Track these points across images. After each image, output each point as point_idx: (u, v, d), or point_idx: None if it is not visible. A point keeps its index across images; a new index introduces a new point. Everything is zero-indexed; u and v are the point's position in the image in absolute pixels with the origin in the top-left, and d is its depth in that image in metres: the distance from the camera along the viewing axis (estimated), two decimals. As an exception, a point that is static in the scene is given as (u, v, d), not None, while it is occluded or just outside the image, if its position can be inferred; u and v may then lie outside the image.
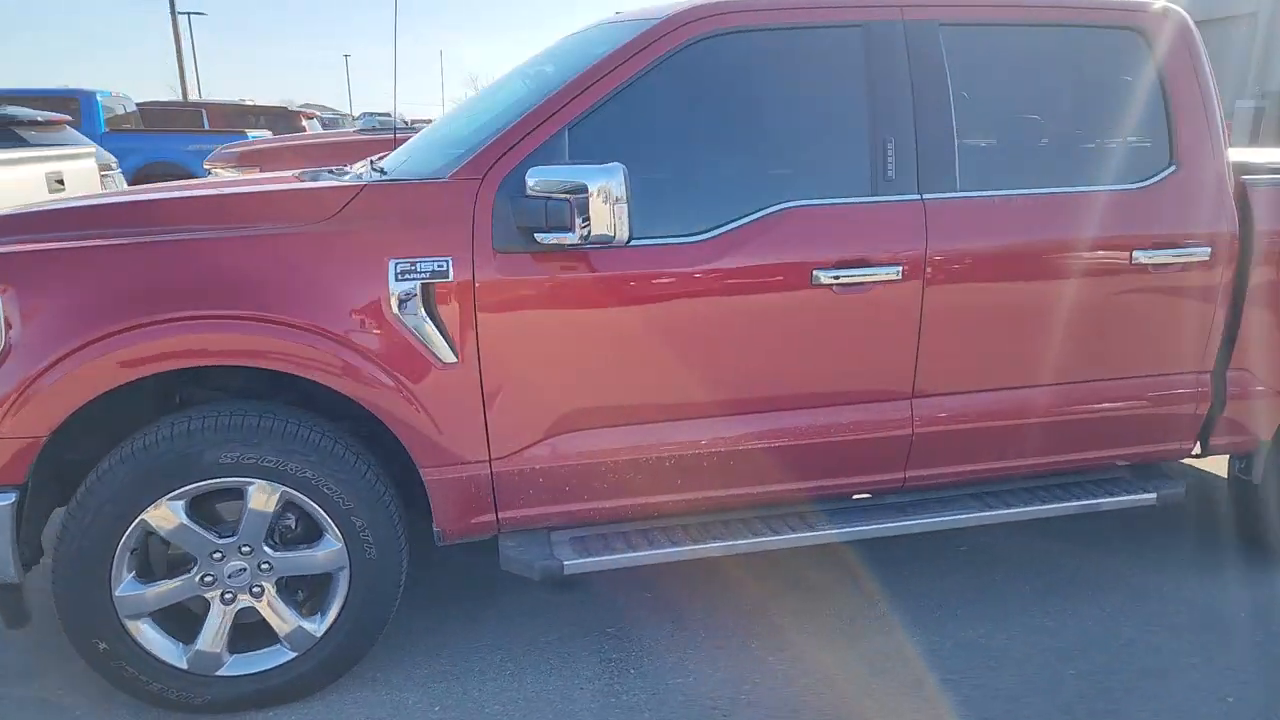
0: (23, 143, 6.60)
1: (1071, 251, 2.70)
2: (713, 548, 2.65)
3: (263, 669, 2.44)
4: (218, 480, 2.27)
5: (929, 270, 2.59)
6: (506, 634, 2.83)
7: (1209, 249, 2.79)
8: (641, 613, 2.95)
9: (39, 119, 7.09)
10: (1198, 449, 3.05)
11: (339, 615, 2.44)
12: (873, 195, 2.59)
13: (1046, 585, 3.11)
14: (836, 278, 2.52)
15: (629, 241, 2.25)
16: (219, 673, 2.41)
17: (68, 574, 2.25)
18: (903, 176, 2.60)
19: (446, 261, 2.30)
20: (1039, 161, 2.85)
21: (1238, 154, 3.42)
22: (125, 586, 2.29)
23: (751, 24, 2.55)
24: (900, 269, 2.56)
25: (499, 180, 2.35)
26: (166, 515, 2.27)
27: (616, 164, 2.17)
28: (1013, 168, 2.78)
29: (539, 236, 2.28)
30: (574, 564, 2.56)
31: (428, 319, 2.30)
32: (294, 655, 2.45)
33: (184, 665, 2.37)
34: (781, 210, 2.52)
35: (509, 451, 2.46)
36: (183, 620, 2.40)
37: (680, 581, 3.08)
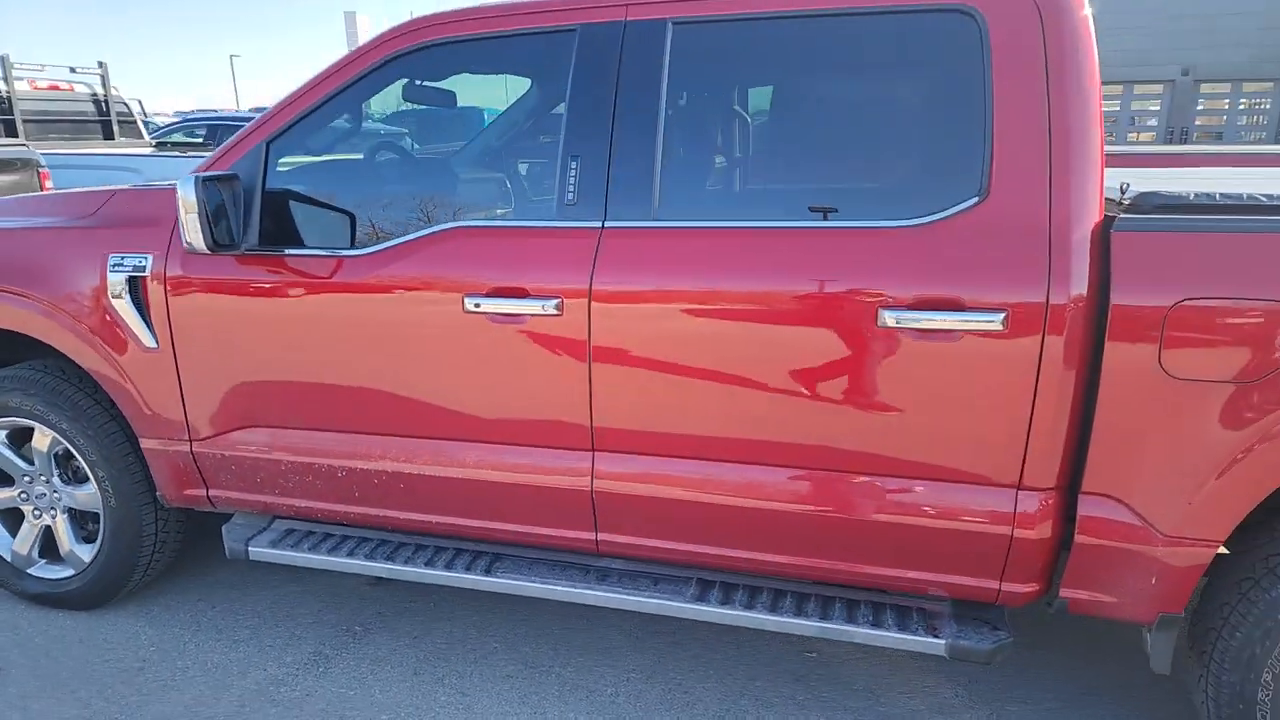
0: None
1: (790, 303, 2.10)
2: (397, 570, 2.60)
3: (53, 577, 3.00)
4: (13, 419, 2.85)
5: (594, 311, 2.22)
6: (257, 603, 3.07)
7: (1002, 316, 1.97)
8: (400, 620, 2.97)
9: None
10: (1033, 591, 2.16)
11: (97, 550, 2.90)
12: (551, 219, 2.29)
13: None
14: (478, 305, 2.29)
15: (213, 250, 2.32)
16: (30, 570, 3.02)
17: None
18: (586, 200, 2.25)
19: (147, 258, 2.58)
20: (787, 188, 2.23)
21: (1164, 176, 2.29)
22: (-27, 492, 3.00)
23: (445, 38, 2.40)
24: (558, 303, 2.24)
25: (197, 187, 2.56)
26: (-10, 442, 2.92)
27: (190, 175, 2.26)
28: (746, 194, 2.24)
29: (189, 240, 2.45)
30: (258, 552, 2.71)
31: (133, 308, 2.61)
32: (72, 573, 2.97)
33: (8, 557, 3.02)
34: (445, 229, 2.35)
35: (204, 436, 2.68)
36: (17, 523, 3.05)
37: (469, 607, 3.03)
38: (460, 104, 2.62)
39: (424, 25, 2.43)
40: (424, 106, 2.54)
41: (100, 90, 8.55)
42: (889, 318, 2.03)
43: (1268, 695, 2.01)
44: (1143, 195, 2.02)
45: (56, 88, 8.16)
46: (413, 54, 2.43)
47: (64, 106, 8.08)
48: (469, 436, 2.44)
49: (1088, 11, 2.04)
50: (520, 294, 2.27)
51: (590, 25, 2.29)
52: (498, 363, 2.33)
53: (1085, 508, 2.06)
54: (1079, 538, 2.07)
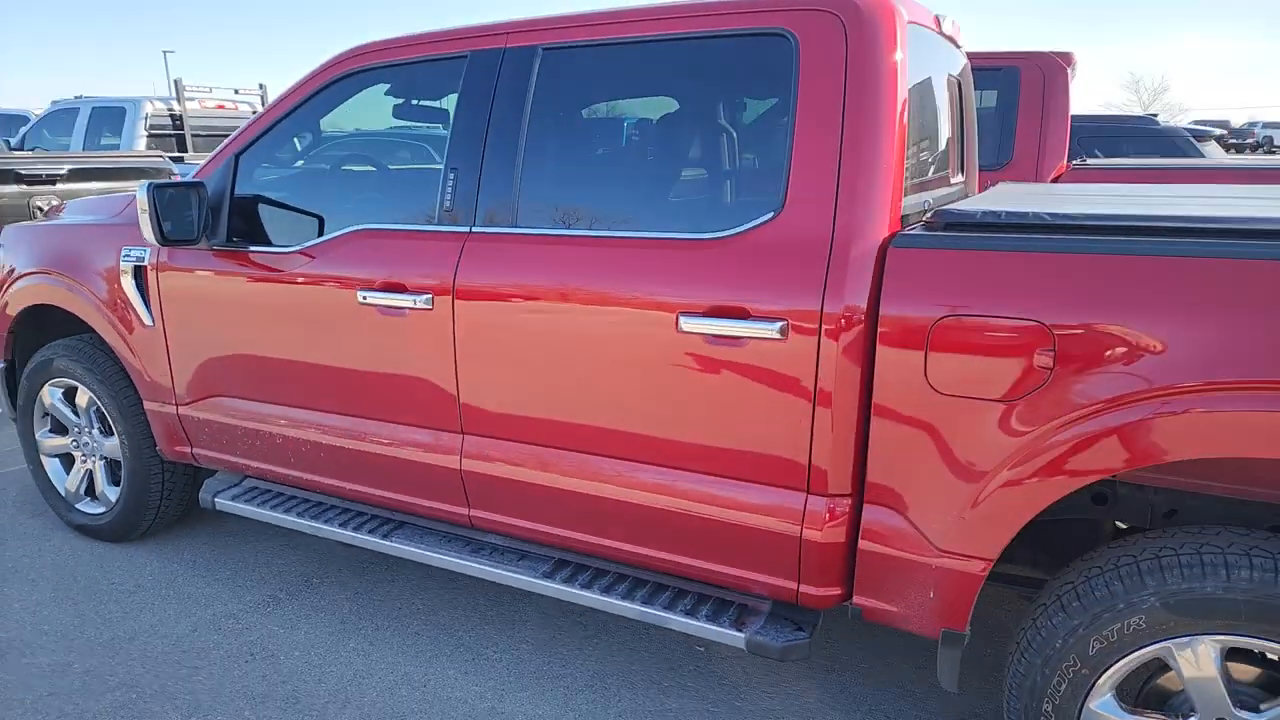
0: None
1: (614, 307, 2.26)
2: (316, 527, 2.96)
3: (92, 512, 3.61)
4: (64, 379, 3.48)
5: (457, 307, 2.48)
6: (246, 552, 3.54)
7: (780, 325, 2.05)
8: (354, 579, 3.35)
9: None
10: (833, 595, 2.20)
11: (120, 492, 3.48)
12: (433, 224, 2.58)
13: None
14: (366, 299, 2.61)
15: (161, 244, 2.76)
16: (76, 505, 3.65)
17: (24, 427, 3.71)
18: (460, 207, 2.52)
19: (147, 250, 3.10)
20: (629, 200, 2.38)
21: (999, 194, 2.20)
22: (40, 434, 3.67)
23: (377, 63, 2.74)
24: (430, 299, 2.51)
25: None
26: (47, 396, 3.57)
27: (145, 183, 2.71)
28: (594, 205, 2.41)
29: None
30: (222, 504, 3.17)
31: (137, 292, 3.14)
32: (103, 510, 3.57)
33: (63, 492, 3.67)
34: (351, 231, 2.69)
35: (186, 401, 3.16)
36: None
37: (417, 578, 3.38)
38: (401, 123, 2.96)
39: (358, 53, 2.79)
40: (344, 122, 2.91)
41: (260, 108, 9.77)
42: (687, 323, 2.16)
43: (1043, 724, 1.97)
44: (939, 213, 2.05)
45: (222, 107, 9.40)
46: (349, 78, 2.80)
47: (227, 123, 9.30)
48: (369, 414, 2.76)
49: (900, 37, 2.08)
50: (401, 289, 2.57)
51: (477, 52, 2.56)
52: (386, 350, 2.65)
53: (867, 515, 2.10)
54: (861, 544, 2.12)
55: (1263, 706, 1.80)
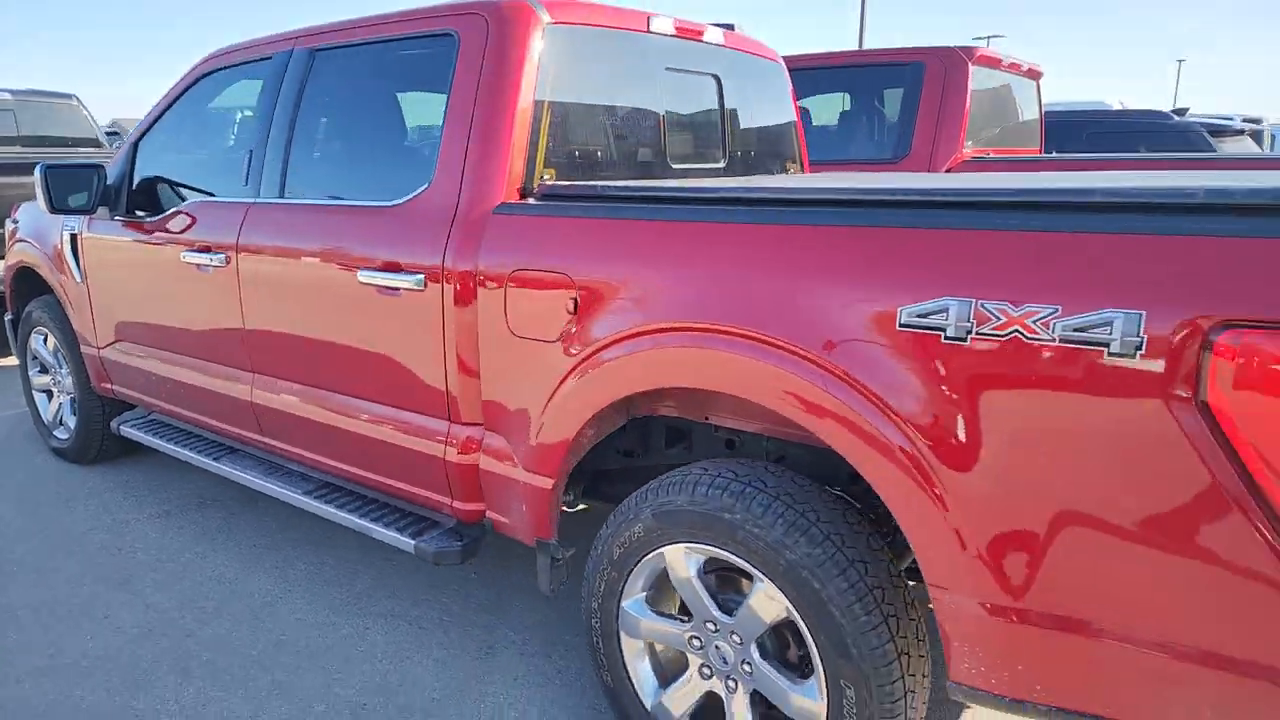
0: None
1: (320, 262, 2.74)
2: (176, 450, 3.60)
3: (62, 437, 4.44)
4: (40, 328, 4.33)
5: (241, 264, 3.03)
6: (202, 474, 4.24)
7: (420, 277, 2.46)
8: (241, 510, 3.99)
9: None
10: (477, 510, 2.58)
11: (76, 423, 4.27)
12: (235, 197, 3.14)
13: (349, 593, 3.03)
14: (185, 258, 3.20)
15: (52, 212, 3.45)
16: (54, 432, 4.49)
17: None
18: (252, 183, 3.08)
19: (80, 220, 3.85)
20: (342, 174, 2.86)
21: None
22: (32, 373, 4.54)
23: (225, 64, 3.34)
24: (224, 257, 3.08)
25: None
26: (33, 342, 4.43)
27: (40, 162, 3.41)
28: (332, 179, 2.89)
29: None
30: (125, 430, 3.87)
31: (71, 255, 3.90)
32: (67, 436, 4.38)
33: (46, 420, 4.52)
34: (187, 204, 3.30)
35: (101, 345, 3.89)
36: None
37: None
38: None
39: (215, 56, 3.41)
40: (197, 115, 3.51)
41: None
42: (363, 276, 2.61)
43: (596, 623, 2.28)
44: (546, 186, 2.41)
45: None
46: (206, 77, 3.42)
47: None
48: (199, 355, 3.37)
49: (532, 37, 2.45)
50: (208, 250, 3.15)
51: (279, 53, 3.10)
52: (201, 300, 3.23)
53: (486, 439, 2.48)
54: (481, 464, 2.49)
55: (734, 611, 2.05)
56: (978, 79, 4.72)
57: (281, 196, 2.97)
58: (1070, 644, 1.59)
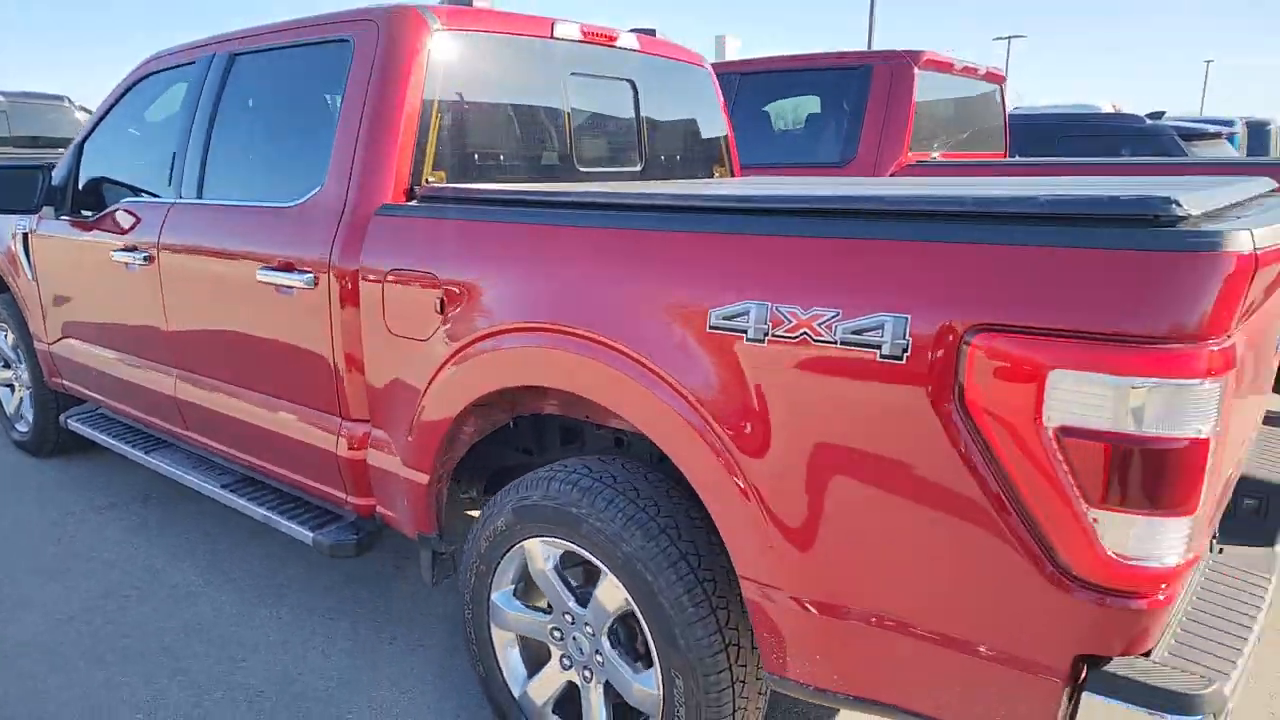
0: None
1: (230, 261, 2.83)
2: (112, 443, 3.71)
3: (21, 430, 4.57)
4: (1, 325, 4.47)
5: (162, 262, 3.13)
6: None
7: (311, 276, 2.54)
8: (182, 503, 4.10)
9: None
10: (370, 504, 2.66)
11: (33, 416, 4.40)
12: (159, 198, 3.24)
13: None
14: (114, 256, 3.31)
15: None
16: (15, 425, 4.62)
17: None
18: (174, 183, 3.17)
19: (31, 219, 3.97)
20: (250, 176, 2.95)
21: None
22: (-5, 369, 4.68)
23: (162, 67, 3.44)
24: (146, 256, 3.18)
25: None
26: None
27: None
28: (243, 180, 2.97)
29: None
30: (73, 424, 3.99)
31: (24, 253, 4.02)
32: (26, 429, 4.50)
33: (9, 412, 4.66)
34: (120, 204, 3.41)
35: (51, 341, 4.01)
36: None
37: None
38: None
39: (150, 61, 3.51)
40: (135, 117, 3.62)
41: None
42: (261, 274, 2.69)
43: (469, 614, 2.35)
44: (428, 188, 2.48)
45: None
46: (145, 79, 3.53)
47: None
48: (128, 350, 3.47)
49: (420, 44, 2.52)
50: (134, 248, 3.25)
51: (202, 58, 3.20)
52: (130, 296, 3.33)
53: (373, 435, 2.56)
54: (369, 458, 2.57)
55: (588, 603, 2.11)
56: (926, 83, 4.74)
57: (200, 197, 3.06)
58: (856, 634, 1.64)
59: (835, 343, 1.56)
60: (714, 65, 5.48)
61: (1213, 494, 1.49)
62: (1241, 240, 1.29)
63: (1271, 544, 2.31)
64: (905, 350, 1.48)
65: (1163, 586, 1.41)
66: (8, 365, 4.63)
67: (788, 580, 1.70)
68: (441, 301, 2.22)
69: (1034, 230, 1.41)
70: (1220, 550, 2.34)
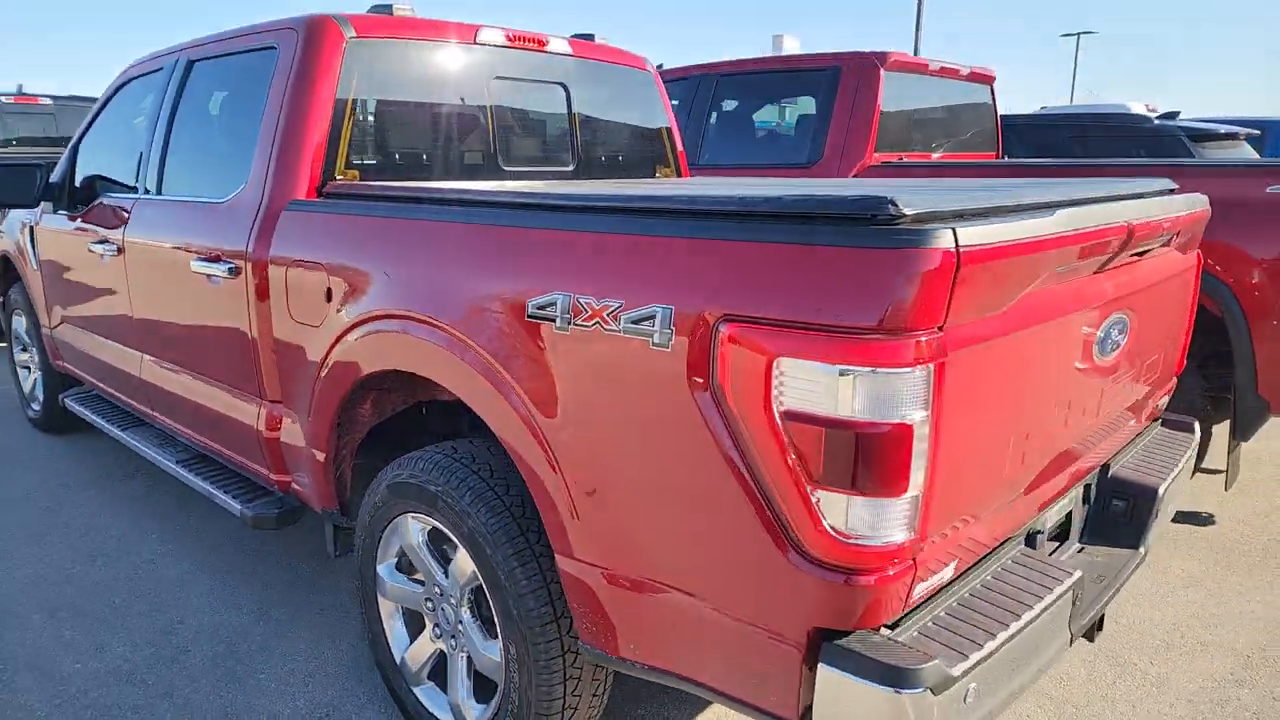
0: None
1: (174, 252, 3.03)
2: (92, 419, 3.99)
3: (36, 408, 4.91)
4: (17, 310, 4.80)
5: (127, 253, 3.37)
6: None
7: (229, 266, 2.73)
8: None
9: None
10: (287, 480, 2.84)
11: (42, 395, 4.73)
12: (130, 193, 3.48)
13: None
14: (92, 249, 3.57)
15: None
16: (31, 404, 4.97)
17: None
18: (141, 180, 3.42)
19: (36, 212, 4.28)
20: (192, 173, 3.16)
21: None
22: (15, 351, 5.02)
23: (139, 73, 3.70)
24: (115, 248, 3.43)
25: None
26: (13, 322, 4.91)
27: None
28: (192, 177, 3.19)
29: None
30: (69, 404, 4.29)
31: (30, 246, 4.34)
32: (38, 407, 4.84)
33: (26, 393, 5.01)
34: (99, 202, 3.67)
35: (53, 325, 4.31)
36: None
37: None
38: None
39: (131, 67, 3.77)
40: (117, 120, 3.88)
41: None
42: (194, 265, 2.90)
43: (359, 584, 2.52)
44: (334, 185, 2.65)
45: None
46: (126, 85, 3.79)
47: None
48: (106, 335, 3.73)
49: (334, 50, 2.69)
50: (106, 241, 3.50)
51: (170, 64, 3.44)
52: (105, 284, 3.59)
53: (284, 415, 2.74)
54: (282, 436, 2.75)
55: (450, 575, 2.26)
56: (895, 85, 4.76)
57: (159, 193, 3.29)
58: (641, 604, 1.75)
59: (620, 331, 1.67)
60: (692, 67, 5.58)
61: (956, 477, 1.56)
62: (944, 238, 1.37)
63: (1136, 546, 2.35)
64: (670, 338, 1.59)
65: (894, 563, 1.49)
66: (26, 349, 4.98)
67: (585, 549, 1.82)
68: (329, 290, 2.39)
69: (775, 228, 1.51)
70: (1081, 549, 2.38)
